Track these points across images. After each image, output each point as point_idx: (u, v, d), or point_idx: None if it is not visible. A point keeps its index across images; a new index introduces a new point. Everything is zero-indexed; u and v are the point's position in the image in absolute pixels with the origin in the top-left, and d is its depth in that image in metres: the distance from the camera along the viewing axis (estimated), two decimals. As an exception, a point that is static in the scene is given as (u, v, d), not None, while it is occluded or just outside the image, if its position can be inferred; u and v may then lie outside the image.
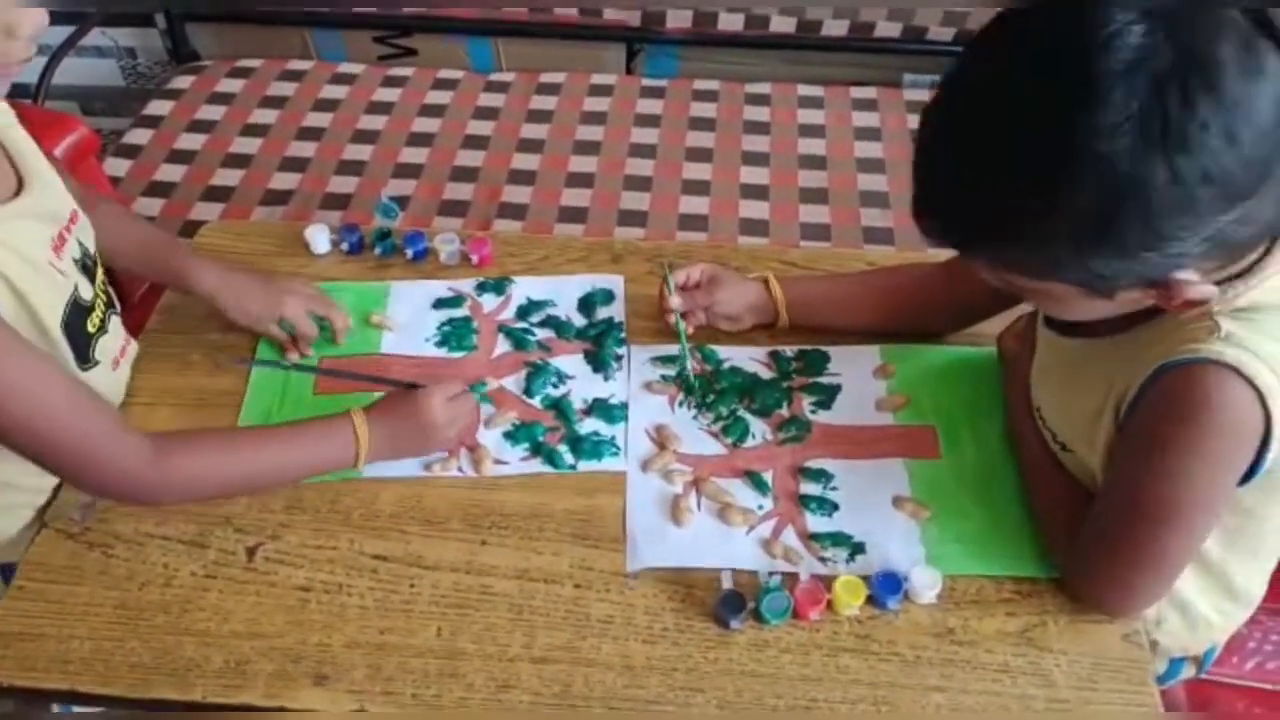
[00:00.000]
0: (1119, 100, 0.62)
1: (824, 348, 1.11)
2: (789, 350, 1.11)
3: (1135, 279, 0.71)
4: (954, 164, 0.71)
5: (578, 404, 1.06)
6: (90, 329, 0.99)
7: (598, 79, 2.07)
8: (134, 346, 1.10)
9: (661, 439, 1.03)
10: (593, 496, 0.99)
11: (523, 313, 1.16)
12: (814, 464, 1.01)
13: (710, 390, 1.07)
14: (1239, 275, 0.76)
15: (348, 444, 0.95)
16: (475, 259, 1.20)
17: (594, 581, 0.92)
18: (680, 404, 1.07)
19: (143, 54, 2.36)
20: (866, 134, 1.94)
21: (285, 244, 1.23)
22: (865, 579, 0.89)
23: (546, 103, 2.01)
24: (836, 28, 2.03)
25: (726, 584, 0.89)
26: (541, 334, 1.14)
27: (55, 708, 0.99)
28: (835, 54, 2.08)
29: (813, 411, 1.06)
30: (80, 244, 0.99)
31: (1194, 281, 0.71)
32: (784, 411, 1.06)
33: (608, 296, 1.17)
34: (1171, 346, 0.77)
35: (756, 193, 1.80)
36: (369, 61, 2.13)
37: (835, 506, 0.97)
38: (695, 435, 1.04)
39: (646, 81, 2.07)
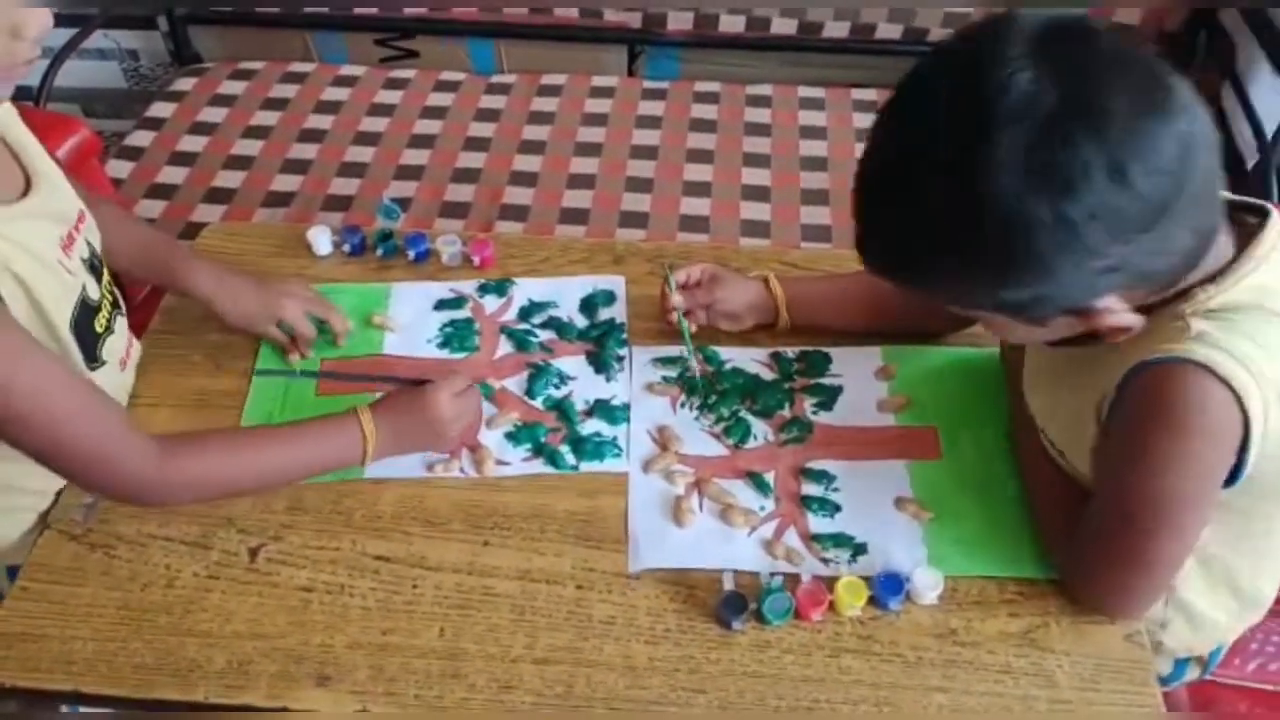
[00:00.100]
0: (1006, 142, 0.65)
1: (825, 349, 1.11)
2: (790, 351, 1.11)
3: (1054, 309, 0.74)
4: (874, 205, 0.75)
5: (579, 405, 1.07)
6: (98, 329, 0.99)
7: (599, 81, 2.07)
8: (138, 347, 1.10)
9: (663, 440, 1.03)
10: (594, 497, 0.99)
11: (524, 314, 1.16)
12: (816, 465, 1.01)
13: (712, 391, 1.07)
14: (1210, 278, 0.77)
15: (355, 441, 0.95)
16: (477, 260, 1.20)
17: (596, 582, 0.92)
18: (682, 405, 1.07)
19: (145, 56, 2.36)
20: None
21: (287, 246, 1.23)
22: (867, 580, 0.89)
23: (548, 104, 2.01)
24: (837, 29, 2.04)
25: (728, 585, 0.89)
26: (543, 335, 1.14)
27: (63, 709, 0.99)
28: (836, 56, 2.08)
29: (814, 412, 1.06)
30: (88, 244, 0.99)
31: (1117, 310, 0.74)
32: (786, 412, 1.06)
33: (609, 298, 1.18)
34: (1145, 349, 0.78)
35: (757, 194, 1.80)
36: (370, 63, 2.13)
37: (837, 507, 0.97)
38: (697, 436, 1.04)
39: (648, 83, 2.08)
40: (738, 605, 0.88)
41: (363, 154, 1.90)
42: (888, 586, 0.89)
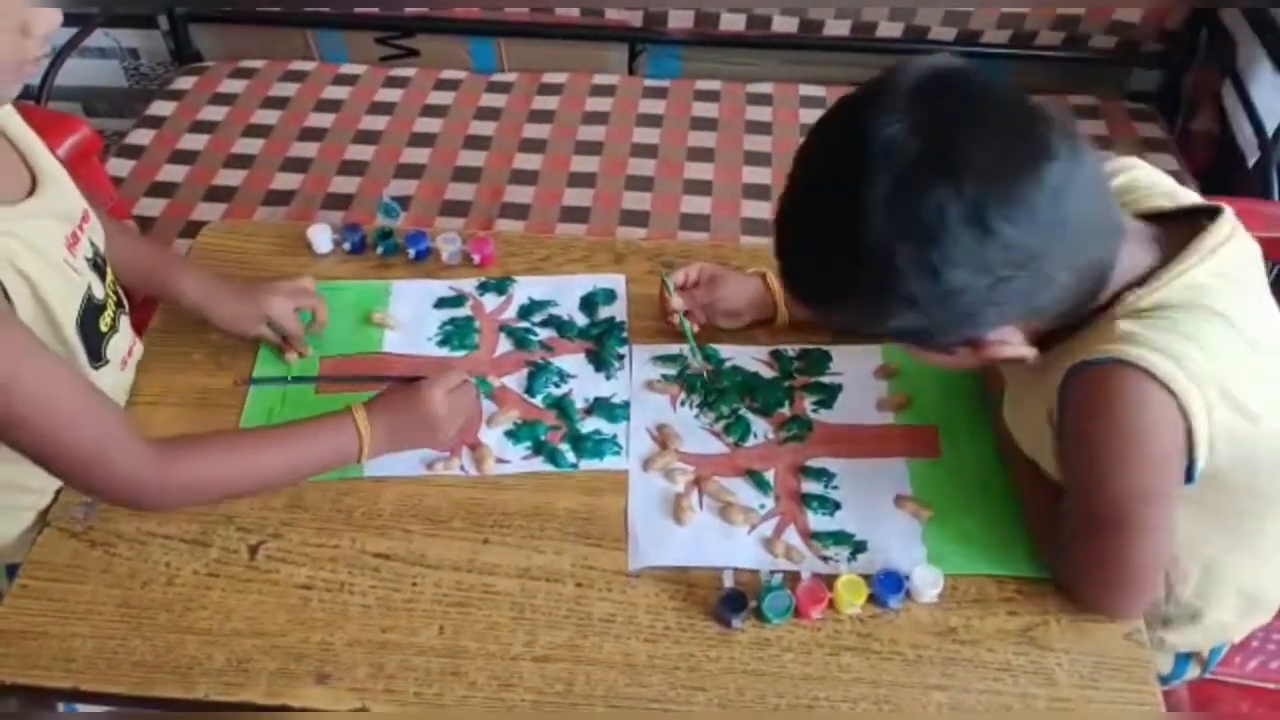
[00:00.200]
0: (875, 188, 0.69)
1: (826, 347, 1.11)
2: (791, 350, 1.11)
3: (945, 341, 0.78)
4: (781, 240, 0.79)
5: (579, 403, 1.07)
6: (103, 328, 0.99)
7: (600, 79, 2.07)
8: (140, 347, 1.10)
9: (663, 438, 1.03)
10: (594, 495, 0.99)
11: (524, 312, 1.16)
12: (815, 463, 1.01)
13: (712, 389, 1.07)
14: (1139, 281, 0.80)
15: (350, 440, 0.95)
16: (477, 259, 1.20)
17: (596, 580, 0.92)
18: (682, 403, 1.07)
19: (145, 55, 2.36)
20: (868, 134, 1.94)
21: (287, 244, 1.23)
22: (867, 578, 0.89)
23: (548, 103, 2.01)
24: (838, 28, 2.03)
25: (728, 583, 0.89)
26: (543, 333, 1.14)
27: (60, 707, 0.99)
28: (837, 54, 2.08)
29: (814, 411, 1.06)
30: (92, 243, 0.99)
31: (1011, 341, 0.78)
32: (785, 411, 1.06)
33: (609, 296, 1.17)
34: (1078, 354, 0.80)
35: (758, 193, 1.80)
36: (371, 62, 2.13)
37: (837, 505, 0.97)
38: (697, 434, 1.04)
39: (648, 82, 2.07)
40: (737, 603, 0.88)
41: (363, 152, 1.90)
42: (887, 584, 0.89)
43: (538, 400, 1.07)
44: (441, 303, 1.17)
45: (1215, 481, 0.83)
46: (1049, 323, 0.80)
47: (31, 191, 0.92)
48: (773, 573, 0.90)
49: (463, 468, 1.01)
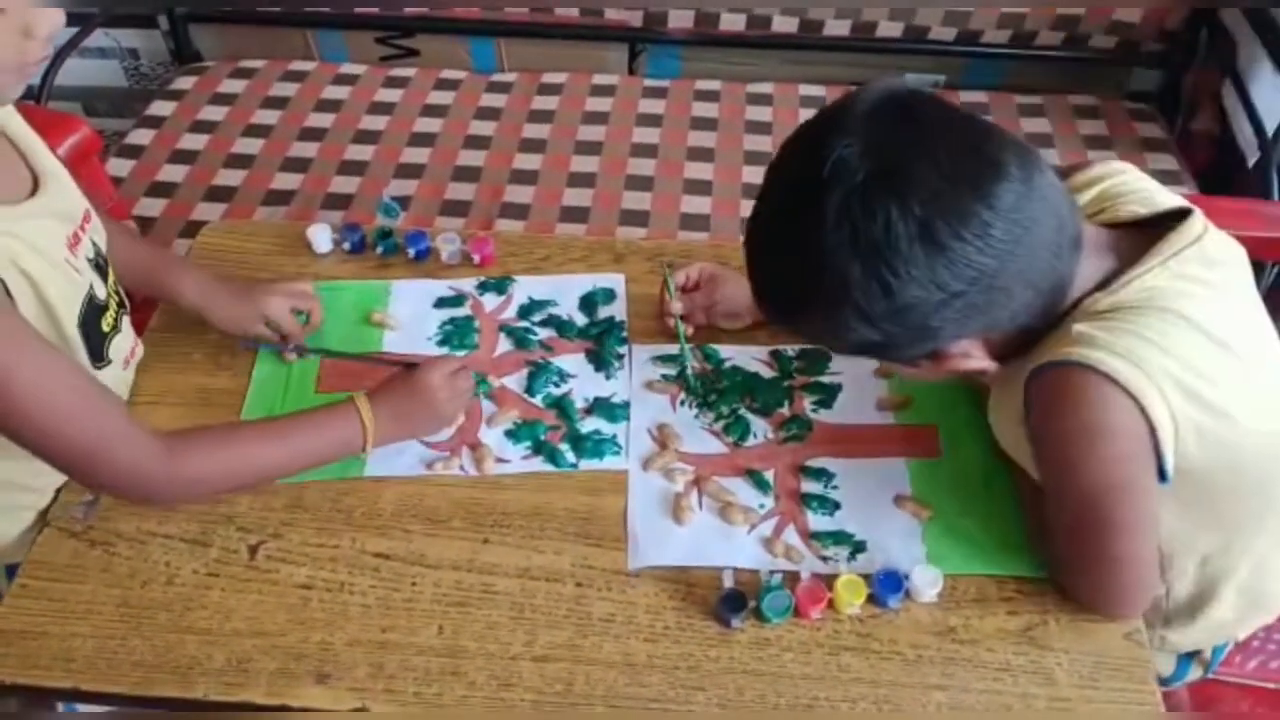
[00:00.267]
0: (827, 208, 0.72)
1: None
2: (790, 349, 1.11)
3: (904, 354, 0.80)
4: (750, 257, 0.82)
5: (579, 403, 1.07)
6: (105, 328, 1.00)
7: (600, 79, 2.07)
8: (141, 348, 1.10)
9: (663, 438, 1.03)
10: (594, 495, 0.99)
11: (524, 312, 1.16)
12: (815, 463, 1.01)
13: (712, 389, 1.07)
14: (1099, 286, 0.82)
15: (354, 429, 0.95)
16: (477, 258, 1.20)
17: (595, 580, 0.92)
18: (682, 403, 1.07)
19: (145, 55, 2.36)
20: (868, 134, 1.94)
21: (287, 243, 1.23)
22: (866, 578, 0.89)
23: (548, 103, 2.01)
24: (838, 28, 2.03)
25: (728, 583, 0.89)
26: (543, 333, 1.14)
27: (60, 706, 0.99)
28: (837, 54, 2.08)
29: (814, 410, 1.06)
30: (94, 244, 0.99)
31: (972, 354, 0.81)
32: (785, 410, 1.06)
33: (609, 296, 1.17)
34: (1038, 358, 0.81)
35: (758, 193, 1.79)
36: (371, 62, 2.13)
37: (836, 505, 0.97)
38: (697, 434, 1.04)
39: (648, 82, 2.07)
40: (737, 603, 0.88)
41: (363, 152, 1.90)
42: (887, 584, 0.89)
43: (537, 400, 1.07)
44: (441, 302, 1.17)
45: (1195, 481, 0.84)
46: (1010, 335, 0.81)
47: (33, 192, 0.92)
48: (772, 572, 0.90)
49: (462, 467, 1.01)
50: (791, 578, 0.90)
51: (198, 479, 0.92)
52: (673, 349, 1.11)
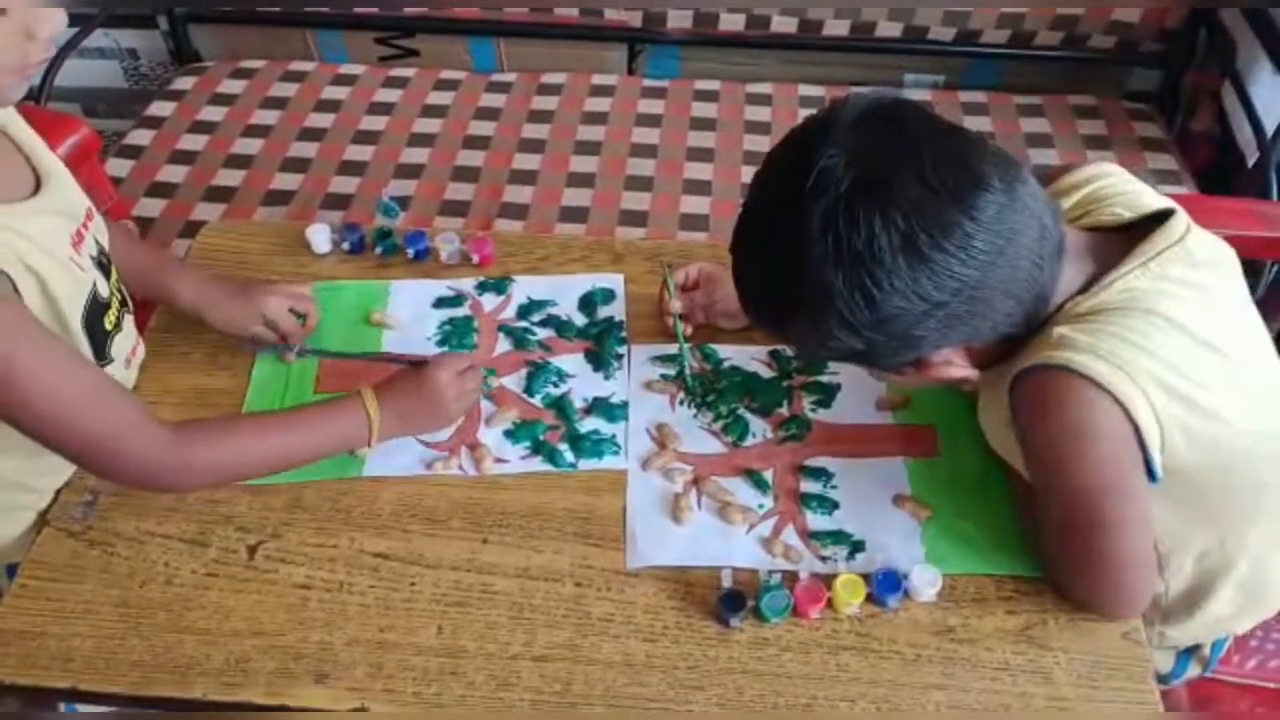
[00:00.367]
0: (811, 217, 0.73)
1: (824, 347, 1.11)
2: (789, 349, 1.11)
3: (889, 362, 0.81)
4: (736, 263, 0.84)
5: (578, 403, 1.07)
6: (108, 326, 1.00)
7: (599, 79, 2.07)
8: (142, 347, 1.10)
9: (662, 438, 1.03)
10: (593, 495, 0.99)
11: (523, 312, 1.16)
12: (814, 462, 1.01)
13: (711, 389, 1.07)
14: (1081, 290, 0.82)
15: (360, 423, 0.95)
16: (476, 258, 1.20)
17: (594, 580, 0.92)
18: (681, 403, 1.07)
19: (145, 55, 2.36)
20: (867, 134, 1.94)
21: (287, 244, 1.23)
22: (865, 577, 0.89)
23: (548, 103, 2.01)
24: (837, 28, 2.03)
25: (727, 582, 0.89)
26: (542, 333, 1.14)
27: (61, 707, 0.99)
28: (836, 54, 2.08)
29: (813, 410, 1.06)
30: (96, 241, 0.99)
31: (955, 363, 0.81)
32: (784, 410, 1.06)
33: (608, 296, 1.18)
34: (1021, 362, 0.82)
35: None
36: (370, 62, 2.13)
37: (835, 505, 0.97)
38: (695, 434, 1.04)
39: (648, 82, 2.07)
40: (736, 602, 0.88)
41: (362, 152, 1.89)
42: (886, 584, 0.89)
43: (536, 400, 1.07)
44: (440, 302, 1.17)
45: (1187, 480, 0.84)
46: (992, 344, 0.81)
47: (35, 191, 0.92)
48: (771, 572, 0.90)
49: (461, 467, 1.01)
50: (790, 577, 0.90)
51: (207, 468, 0.92)
52: (671, 349, 1.11)
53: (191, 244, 1.25)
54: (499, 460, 1.01)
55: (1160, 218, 0.85)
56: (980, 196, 0.73)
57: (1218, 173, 1.89)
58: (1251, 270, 0.97)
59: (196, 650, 0.87)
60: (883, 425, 1.04)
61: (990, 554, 0.93)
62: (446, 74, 2.08)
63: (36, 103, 1.93)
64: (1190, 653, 1.05)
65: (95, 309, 0.97)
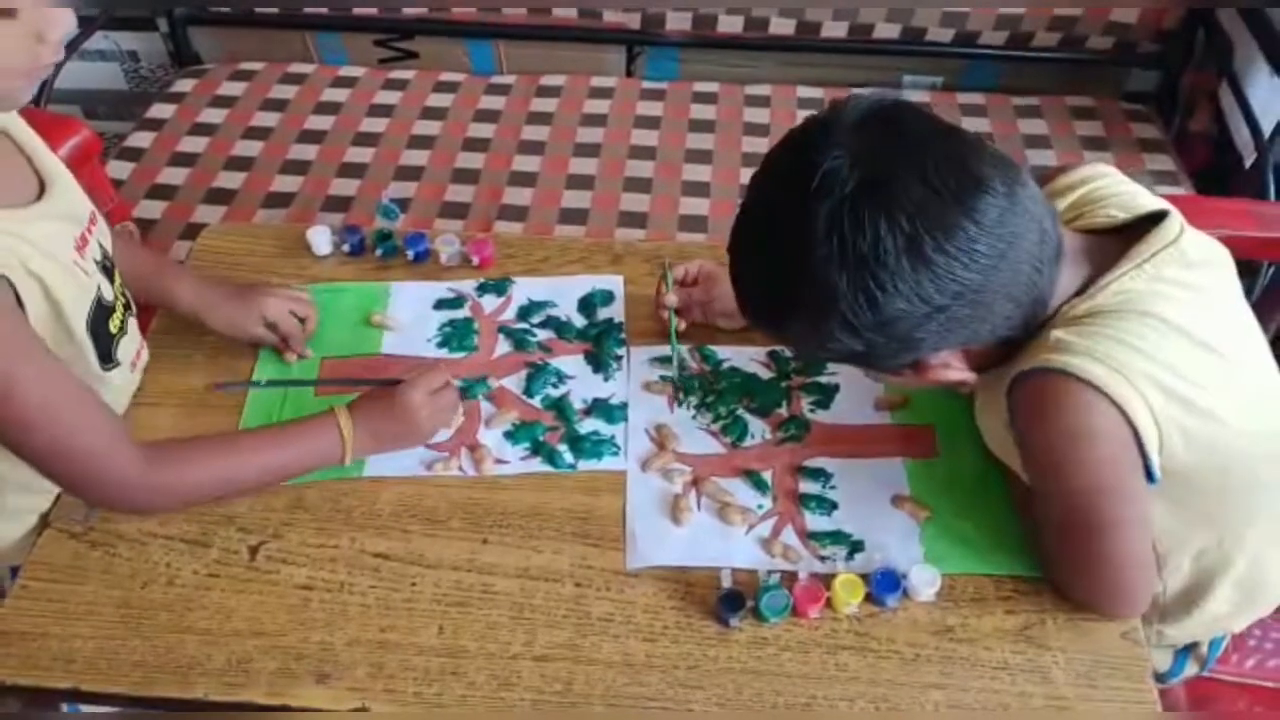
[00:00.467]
0: (816, 218, 0.73)
1: (823, 347, 1.11)
2: (788, 350, 1.11)
3: (887, 364, 0.81)
4: (733, 263, 0.84)
5: (578, 404, 1.07)
6: (113, 329, 1.00)
7: (598, 81, 2.07)
8: (146, 350, 1.10)
9: (661, 438, 1.04)
10: (593, 496, 0.99)
11: (523, 313, 1.17)
12: (813, 463, 1.01)
13: (710, 390, 1.08)
14: (1077, 293, 0.83)
15: (333, 442, 0.96)
16: (476, 260, 1.21)
17: (594, 580, 0.92)
18: (680, 403, 1.07)
19: (145, 57, 2.36)
20: (866, 135, 1.94)
21: (287, 246, 1.23)
22: (864, 577, 0.90)
23: (547, 105, 2.01)
24: (836, 29, 2.03)
25: (726, 582, 0.89)
26: (542, 334, 1.14)
27: (63, 707, 0.99)
28: (835, 56, 2.08)
29: (811, 411, 1.06)
30: (100, 245, 0.99)
31: (953, 365, 0.82)
32: (783, 411, 1.06)
33: (608, 297, 1.18)
34: (1019, 365, 0.82)
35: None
36: (370, 64, 2.13)
37: (834, 505, 0.98)
38: (695, 435, 1.04)
39: (646, 84, 2.08)
40: (735, 602, 0.88)
41: (362, 154, 1.90)
42: (885, 584, 0.89)
43: (536, 401, 1.08)
44: (441, 304, 1.17)
45: (1184, 481, 0.84)
46: (990, 347, 0.82)
47: (39, 195, 0.92)
48: (770, 572, 0.90)
49: (461, 468, 1.01)
50: (789, 577, 0.90)
51: (178, 491, 0.93)
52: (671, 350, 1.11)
53: (192, 246, 1.25)
54: (499, 461, 1.02)
55: (1155, 219, 0.86)
56: (982, 199, 0.73)
57: (1215, 173, 1.89)
58: (1248, 271, 0.97)
59: (198, 651, 0.88)
60: (881, 426, 1.05)
61: (989, 554, 0.93)
62: (446, 76, 2.09)
63: (37, 105, 1.93)
64: (1188, 651, 1.06)
65: (100, 313, 0.97)
